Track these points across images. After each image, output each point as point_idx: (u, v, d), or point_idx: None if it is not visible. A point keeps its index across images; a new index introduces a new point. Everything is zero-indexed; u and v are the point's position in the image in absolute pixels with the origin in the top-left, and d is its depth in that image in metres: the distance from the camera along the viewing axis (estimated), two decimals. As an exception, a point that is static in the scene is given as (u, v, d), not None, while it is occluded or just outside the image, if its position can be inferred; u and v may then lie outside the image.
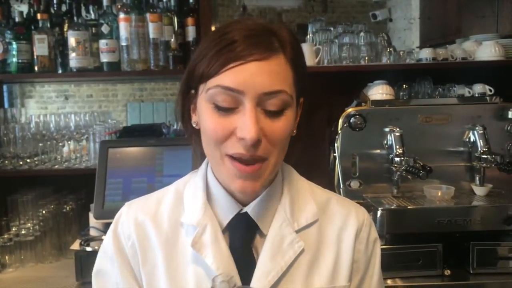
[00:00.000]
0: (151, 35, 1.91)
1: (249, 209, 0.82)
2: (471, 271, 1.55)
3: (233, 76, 0.73)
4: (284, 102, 0.75)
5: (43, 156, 1.99)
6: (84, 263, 1.56)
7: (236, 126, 0.73)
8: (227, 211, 0.82)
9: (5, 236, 1.80)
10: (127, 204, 0.89)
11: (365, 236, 0.87)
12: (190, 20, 1.98)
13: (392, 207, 1.60)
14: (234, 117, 0.74)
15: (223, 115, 0.75)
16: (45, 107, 6.09)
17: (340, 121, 1.79)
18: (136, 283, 0.83)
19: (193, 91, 0.81)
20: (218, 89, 0.74)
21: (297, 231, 0.83)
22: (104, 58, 1.90)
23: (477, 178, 1.74)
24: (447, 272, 1.54)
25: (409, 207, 1.61)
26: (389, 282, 1.52)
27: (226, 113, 0.74)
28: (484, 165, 1.71)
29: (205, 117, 0.77)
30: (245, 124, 0.72)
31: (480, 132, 1.74)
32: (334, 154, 1.82)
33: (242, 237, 0.83)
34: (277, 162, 0.78)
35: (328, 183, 1.82)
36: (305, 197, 0.87)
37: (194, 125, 0.83)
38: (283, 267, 0.80)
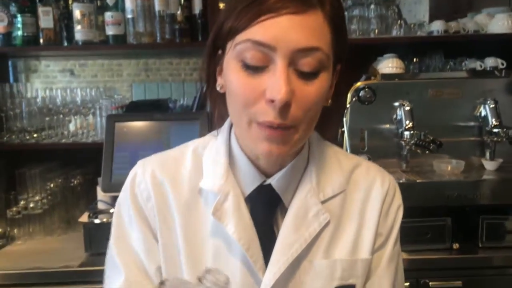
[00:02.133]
0: (157, 8, 1.88)
1: (273, 181, 0.77)
2: (479, 245, 1.55)
3: (264, 29, 0.66)
4: (320, 62, 0.68)
5: (50, 131, 1.99)
6: (93, 235, 1.57)
7: (266, 87, 0.67)
8: (249, 181, 0.78)
9: (14, 209, 1.80)
10: (141, 162, 0.83)
11: (387, 205, 0.82)
12: (196, -8, 1.94)
13: (401, 181, 1.59)
14: (263, 77, 0.67)
15: (252, 74, 0.68)
16: (50, 87, 6.05)
17: (349, 95, 1.77)
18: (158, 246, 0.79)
19: (220, 52, 0.75)
20: (248, 43, 0.67)
21: (322, 202, 0.78)
22: (110, 31, 1.88)
23: (488, 152, 1.73)
24: (456, 245, 1.55)
25: (418, 181, 1.60)
26: (397, 255, 1.52)
27: (255, 73, 0.68)
28: (495, 139, 1.69)
29: (232, 76, 0.70)
30: (276, 83, 0.66)
31: (491, 106, 1.71)
32: (342, 129, 1.80)
33: (264, 210, 0.78)
34: (307, 131, 0.72)
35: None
36: (332, 166, 0.82)
37: (218, 88, 0.77)
38: (307, 239, 0.76)
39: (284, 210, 0.79)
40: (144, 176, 0.81)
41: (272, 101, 0.66)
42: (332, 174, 0.81)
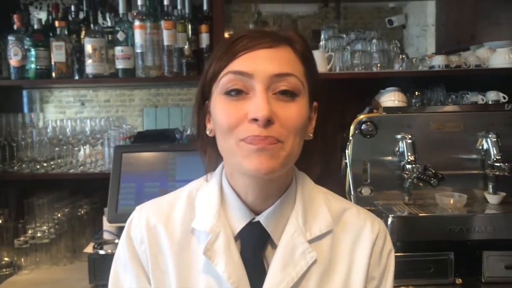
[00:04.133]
0: (166, 42, 1.93)
1: (261, 218, 0.81)
2: (483, 280, 1.53)
3: (243, 61, 0.75)
4: (295, 86, 0.76)
5: (59, 160, 2.03)
6: (97, 266, 1.58)
7: (248, 110, 0.74)
8: (239, 219, 0.82)
9: (21, 238, 1.83)
10: (138, 208, 0.89)
11: (379, 249, 0.85)
12: (204, 27, 2.00)
13: (403, 215, 1.59)
14: (245, 103, 0.75)
15: (235, 101, 0.76)
16: (63, 111, 6.19)
17: (352, 127, 1.80)
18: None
19: (207, 102, 0.82)
20: (229, 74, 0.76)
21: (310, 241, 0.81)
22: (120, 64, 1.94)
23: (490, 186, 1.73)
24: (459, 280, 1.54)
25: (420, 214, 1.60)
26: (401, 289, 1.52)
27: (238, 100, 0.75)
28: (497, 173, 1.69)
29: (218, 109, 0.78)
30: (256, 104, 0.73)
31: (493, 139, 1.73)
32: (346, 161, 1.82)
33: (253, 247, 0.82)
34: (293, 150, 0.76)
35: (339, 189, 1.82)
36: (319, 206, 0.85)
37: (208, 133, 0.83)
38: (294, 278, 0.79)
39: (275, 246, 0.81)
40: (139, 220, 0.86)
41: (255, 119, 0.72)
42: (320, 214, 0.84)
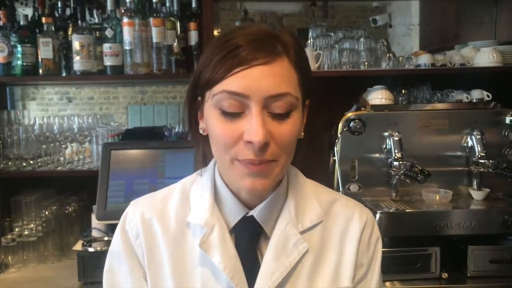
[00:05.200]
0: (154, 39, 1.93)
1: (255, 212, 0.83)
2: (468, 275, 1.57)
3: (238, 80, 0.74)
4: (290, 104, 0.76)
5: (46, 158, 2.01)
6: (86, 264, 1.57)
7: (244, 130, 0.74)
8: (233, 213, 0.84)
9: (8, 236, 1.82)
10: (133, 202, 0.90)
11: (367, 237, 0.88)
12: (192, 25, 2.00)
13: (391, 211, 1.62)
14: (241, 122, 0.75)
15: (230, 119, 0.75)
16: (46, 109, 6.11)
17: (340, 125, 1.82)
18: (145, 281, 0.84)
19: (199, 98, 0.82)
20: (224, 94, 0.75)
21: (302, 232, 0.84)
22: (108, 61, 1.93)
23: (475, 182, 1.77)
24: (445, 275, 1.57)
25: (407, 210, 1.63)
26: (388, 284, 1.55)
27: (233, 118, 0.75)
28: (482, 169, 1.73)
29: (212, 122, 0.78)
30: (252, 127, 0.73)
31: (477, 137, 1.77)
32: (334, 158, 1.84)
33: (247, 239, 0.84)
34: (285, 164, 0.80)
35: (327, 186, 1.83)
36: (309, 199, 0.88)
37: (201, 131, 0.84)
38: (288, 267, 0.81)
39: (267, 238, 0.84)
40: (134, 215, 0.87)
41: (250, 142, 0.73)
42: (310, 206, 0.87)
